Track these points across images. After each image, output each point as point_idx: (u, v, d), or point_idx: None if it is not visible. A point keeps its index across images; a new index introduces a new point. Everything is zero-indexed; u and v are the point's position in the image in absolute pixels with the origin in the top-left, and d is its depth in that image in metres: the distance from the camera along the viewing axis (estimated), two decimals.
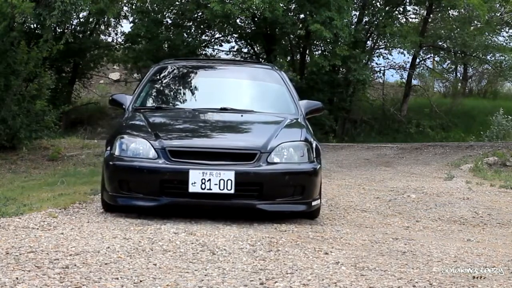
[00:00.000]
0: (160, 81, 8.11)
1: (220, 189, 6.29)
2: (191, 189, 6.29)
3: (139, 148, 6.52)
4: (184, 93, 7.99)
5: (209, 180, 6.28)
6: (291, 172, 6.53)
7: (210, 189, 6.28)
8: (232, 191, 6.31)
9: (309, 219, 6.88)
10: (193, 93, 7.92)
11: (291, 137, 6.76)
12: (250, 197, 6.45)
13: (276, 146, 6.55)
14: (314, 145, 6.81)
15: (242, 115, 7.32)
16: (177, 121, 7.26)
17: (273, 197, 6.48)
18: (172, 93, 8.06)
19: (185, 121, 7.30)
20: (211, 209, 6.71)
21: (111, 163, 6.56)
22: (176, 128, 7.13)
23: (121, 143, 6.60)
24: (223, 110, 7.38)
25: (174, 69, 8.27)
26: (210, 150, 6.50)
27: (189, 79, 8.13)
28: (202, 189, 6.28)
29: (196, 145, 6.61)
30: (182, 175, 6.30)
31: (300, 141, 6.73)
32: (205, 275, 4.63)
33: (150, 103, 7.73)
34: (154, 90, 7.97)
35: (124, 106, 7.55)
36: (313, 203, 6.64)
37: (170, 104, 7.79)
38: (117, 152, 6.58)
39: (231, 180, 6.30)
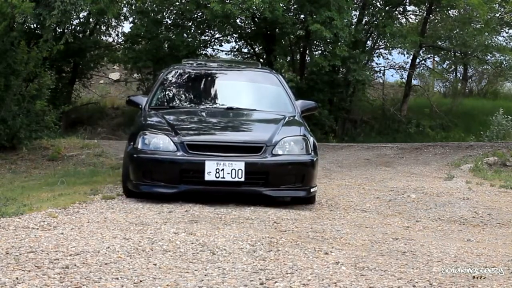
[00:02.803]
0: (171, 84, 9.01)
1: (232, 178, 7.22)
2: (207, 177, 7.21)
3: (159, 143, 7.43)
4: (193, 94, 8.90)
5: (223, 169, 7.21)
6: (293, 162, 7.49)
7: (223, 177, 7.21)
8: (243, 179, 7.23)
9: (308, 204, 7.71)
10: (201, 94, 8.89)
11: (292, 132, 7.70)
12: (258, 184, 7.38)
13: (280, 140, 7.47)
14: (311, 140, 7.74)
15: (247, 113, 8.36)
16: (190, 119, 8.22)
17: (277, 185, 7.42)
18: (183, 94, 8.95)
19: (197, 119, 8.27)
20: (223, 195, 7.48)
21: (135, 155, 7.45)
22: (191, 125, 8.06)
23: (144, 138, 7.49)
24: (229, 109, 8.36)
25: (183, 72, 9.16)
26: (223, 144, 7.44)
27: (197, 82, 9.07)
28: (216, 177, 7.21)
29: (211, 139, 7.60)
30: (199, 165, 7.24)
31: (300, 135, 7.67)
32: (205, 275, 4.63)
33: (163, 103, 8.63)
34: (167, 91, 8.89)
35: (140, 106, 8.48)
36: (312, 190, 7.58)
37: (182, 104, 8.71)
38: (140, 146, 7.47)
39: (241, 170, 7.22)
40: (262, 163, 7.36)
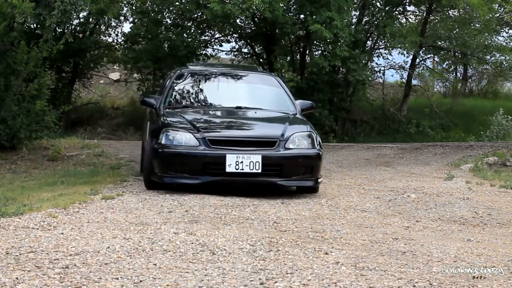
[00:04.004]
0: (181, 86, 9.69)
1: (250, 169, 7.98)
2: (228, 169, 7.95)
3: (182, 138, 8.16)
4: (203, 95, 9.63)
5: (242, 162, 7.96)
6: (303, 156, 8.31)
7: (242, 169, 7.96)
8: (260, 171, 8.00)
9: (312, 192, 8.48)
10: (210, 95, 9.60)
11: (300, 129, 8.53)
12: (273, 175, 8.15)
13: (291, 136, 8.30)
14: (316, 136, 8.59)
15: (255, 112, 9.06)
16: (207, 117, 8.96)
17: (289, 175, 8.22)
18: (193, 95, 9.64)
19: (213, 117, 9.08)
20: (243, 185, 8.22)
21: (160, 150, 8.17)
22: (209, 122, 8.77)
23: (167, 135, 8.22)
24: (238, 108, 9.14)
25: (191, 75, 9.93)
26: (242, 139, 8.20)
27: (205, 84, 9.81)
28: (236, 169, 7.95)
29: (231, 135, 8.31)
30: (220, 158, 7.98)
31: (308, 132, 8.51)
32: (205, 275, 4.64)
33: (176, 103, 9.35)
34: (178, 93, 9.58)
35: (155, 106, 9.16)
36: (319, 180, 8.45)
37: (193, 104, 9.41)
38: (164, 142, 8.19)
39: (258, 162, 7.99)
40: (276, 156, 8.17)
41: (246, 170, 7.96)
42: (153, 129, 8.65)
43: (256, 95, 9.63)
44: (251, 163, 7.98)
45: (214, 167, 8.04)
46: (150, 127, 9.06)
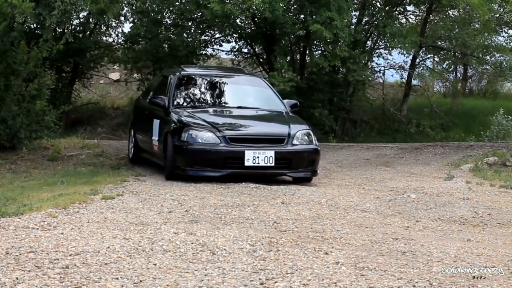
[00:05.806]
0: (183, 87, 10.63)
1: (265, 163, 9.14)
2: (246, 163, 9.09)
3: (204, 136, 9.17)
4: (205, 96, 10.61)
5: (258, 157, 9.11)
6: (306, 151, 9.51)
7: (258, 163, 9.12)
8: (273, 164, 9.18)
9: (308, 182, 9.55)
10: (211, 95, 10.61)
11: (301, 127, 9.67)
12: (283, 168, 9.37)
13: (296, 133, 9.46)
14: (313, 133, 9.72)
15: (256, 111, 10.18)
16: (219, 117, 9.87)
17: (296, 168, 9.43)
18: (197, 95, 10.59)
19: (224, 116, 10.01)
20: (258, 176, 9.15)
21: (184, 147, 9.18)
22: (223, 121, 9.65)
23: (190, 133, 9.22)
24: (240, 107, 10.19)
25: (191, 77, 10.83)
26: (257, 137, 9.36)
27: (205, 85, 10.75)
28: (253, 163, 9.10)
29: (247, 133, 9.49)
30: (240, 154, 9.11)
31: (307, 129, 9.68)
32: (205, 275, 4.64)
33: (182, 103, 10.23)
34: (182, 93, 10.50)
35: (165, 106, 9.95)
36: (317, 172, 9.74)
37: (198, 104, 10.31)
38: (187, 139, 9.17)
39: (272, 157, 9.17)
40: (286, 151, 9.33)
41: (262, 163, 9.11)
42: (172, 127, 9.50)
43: (251, 96, 10.64)
44: (266, 157, 9.11)
45: (234, 162, 9.10)
46: (161, 125, 9.89)
